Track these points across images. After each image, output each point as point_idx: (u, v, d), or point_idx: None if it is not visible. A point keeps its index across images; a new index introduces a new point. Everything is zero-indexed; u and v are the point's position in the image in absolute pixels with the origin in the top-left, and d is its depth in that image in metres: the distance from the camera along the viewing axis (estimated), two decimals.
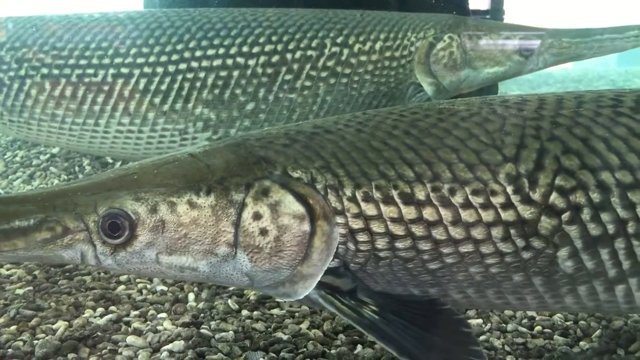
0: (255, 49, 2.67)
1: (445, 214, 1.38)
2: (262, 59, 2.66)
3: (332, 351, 1.81)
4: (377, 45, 2.76)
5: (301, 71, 2.68)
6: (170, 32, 2.70)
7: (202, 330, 1.89)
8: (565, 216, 1.37)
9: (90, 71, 2.67)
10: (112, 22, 2.81)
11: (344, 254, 1.42)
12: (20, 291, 2.15)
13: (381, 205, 1.39)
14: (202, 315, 2.00)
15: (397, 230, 1.39)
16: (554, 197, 1.37)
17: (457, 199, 1.38)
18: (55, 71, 2.71)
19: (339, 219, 1.40)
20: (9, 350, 1.79)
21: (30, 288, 2.16)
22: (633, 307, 1.49)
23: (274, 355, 1.79)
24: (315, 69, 2.69)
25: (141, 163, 1.50)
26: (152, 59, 2.65)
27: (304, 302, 1.52)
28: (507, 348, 1.85)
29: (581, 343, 1.89)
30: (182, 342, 1.82)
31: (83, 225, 1.37)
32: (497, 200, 1.37)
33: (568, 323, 1.99)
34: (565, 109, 1.48)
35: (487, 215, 1.37)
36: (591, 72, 9.59)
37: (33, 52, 2.75)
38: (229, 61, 2.65)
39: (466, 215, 1.38)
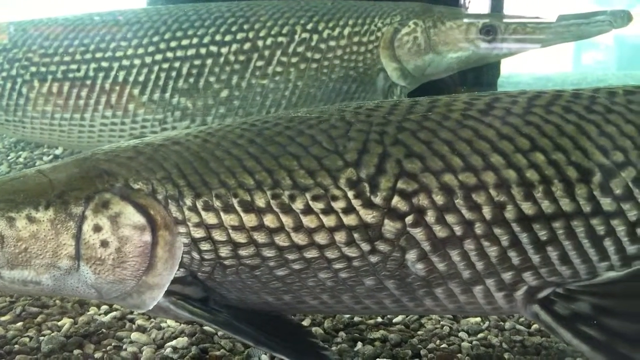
0: (228, 37, 2.79)
1: (287, 221, 1.42)
2: (234, 46, 2.79)
3: (333, 348, 1.85)
4: (346, 31, 2.88)
5: (272, 57, 2.80)
6: (147, 26, 2.87)
7: (205, 328, 1.92)
8: (409, 219, 1.40)
9: (74, 67, 2.84)
10: (94, 21, 2.99)
11: (190, 263, 1.47)
12: None
13: (222, 214, 1.43)
14: None
15: (239, 238, 1.43)
16: (396, 201, 1.40)
17: (298, 205, 1.42)
18: (42, 69, 2.88)
19: (181, 229, 1.45)
20: (16, 346, 1.85)
21: None
22: (496, 308, 1.52)
23: None
24: (286, 54, 2.80)
25: None
26: (129, 51, 2.81)
27: (156, 313, 1.58)
28: (505, 345, 1.90)
29: None
30: (186, 338, 1.88)
31: None
32: (338, 205, 1.41)
33: None
34: (414, 114, 1.52)
35: (329, 221, 1.41)
36: (590, 75, 9.66)
37: (23, 52, 2.92)
38: (203, 50, 2.76)
39: (307, 221, 1.42)
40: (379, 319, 2.05)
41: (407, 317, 2.05)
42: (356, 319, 2.02)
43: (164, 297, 1.47)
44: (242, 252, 1.44)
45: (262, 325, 1.50)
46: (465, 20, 2.98)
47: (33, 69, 2.87)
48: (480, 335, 1.97)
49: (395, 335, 1.93)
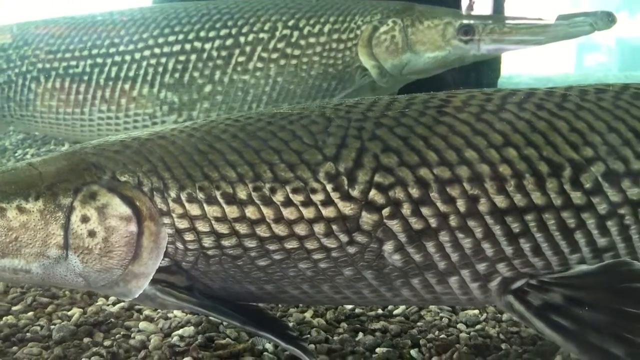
0: (211, 34, 2.89)
1: (267, 212, 1.47)
2: (217, 42, 2.88)
3: (335, 338, 1.91)
4: (326, 28, 2.94)
5: (253, 53, 2.88)
6: (139, 23, 2.99)
7: (210, 317, 1.98)
8: (385, 211, 1.45)
9: (74, 63, 2.99)
10: (95, 19, 3.14)
11: (174, 253, 1.53)
12: None
13: (205, 205, 1.49)
14: None
15: (222, 229, 1.49)
16: (373, 193, 1.45)
17: (278, 198, 1.47)
18: (47, 65, 3.03)
19: (166, 220, 1.50)
20: (28, 334, 1.90)
21: None
22: (471, 298, 1.56)
23: None
24: (267, 50, 2.88)
25: None
26: (121, 47, 2.94)
27: (143, 302, 1.63)
28: (502, 336, 1.95)
29: None
30: (192, 327, 1.94)
31: None
32: (317, 197, 1.46)
33: None
34: (392, 110, 1.57)
35: (308, 213, 1.46)
36: (591, 77, 9.70)
37: (32, 50, 3.08)
38: (187, 46, 2.88)
39: (287, 213, 1.47)
40: (380, 311, 2.11)
41: (407, 309, 2.10)
42: (357, 310, 2.08)
43: (150, 285, 1.53)
44: (225, 243, 1.49)
45: (247, 315, 1.54)
46: (444, 19, 2.99)
47: (40, 65, 3.00)
48: (478, 327, 2.02)
49: (396, 326, 1.98)
